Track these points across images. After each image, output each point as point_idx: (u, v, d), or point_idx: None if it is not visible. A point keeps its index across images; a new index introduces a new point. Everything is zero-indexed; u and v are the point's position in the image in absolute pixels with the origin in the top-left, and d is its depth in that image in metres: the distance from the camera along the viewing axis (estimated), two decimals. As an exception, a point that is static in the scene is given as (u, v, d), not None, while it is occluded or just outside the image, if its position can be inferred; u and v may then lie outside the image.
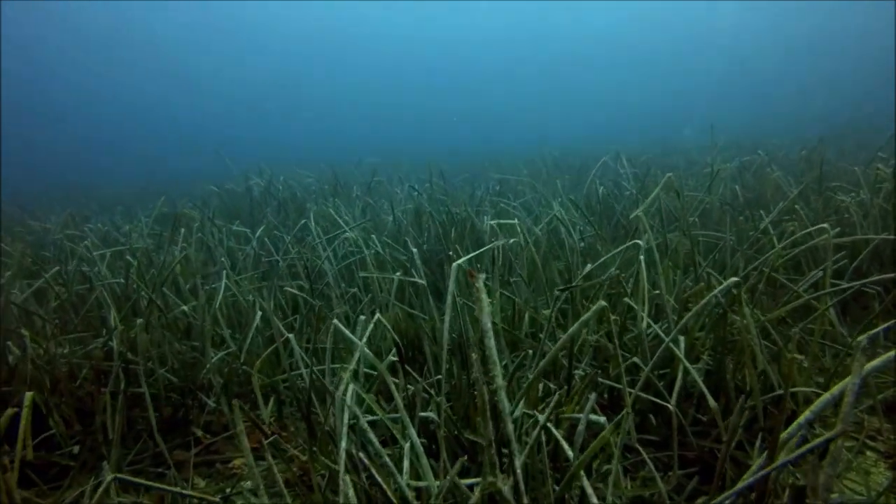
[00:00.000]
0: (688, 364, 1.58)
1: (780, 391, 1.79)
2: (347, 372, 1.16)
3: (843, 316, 2.71)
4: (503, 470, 1.00)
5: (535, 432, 1.06)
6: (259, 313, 2.17)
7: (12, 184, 14.56)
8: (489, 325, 0.66)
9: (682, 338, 1.69)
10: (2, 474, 0.97)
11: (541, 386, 2.16)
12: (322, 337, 2.70)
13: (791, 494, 0.79)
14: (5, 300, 2.60)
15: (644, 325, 1.74)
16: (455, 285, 1.29)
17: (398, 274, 2.30)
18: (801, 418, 0.77)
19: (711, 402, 1.63)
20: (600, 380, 1.71)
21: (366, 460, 1.04)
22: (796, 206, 3.07)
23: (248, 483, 1.98)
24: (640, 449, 1.49)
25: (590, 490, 0.97)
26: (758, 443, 1.74)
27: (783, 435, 0.83)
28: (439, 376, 2.00)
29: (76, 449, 2.05)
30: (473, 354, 0.83)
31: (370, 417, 1.60)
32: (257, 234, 3.70)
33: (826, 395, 0.76)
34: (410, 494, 1.00)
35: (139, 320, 2.06)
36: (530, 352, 1.88)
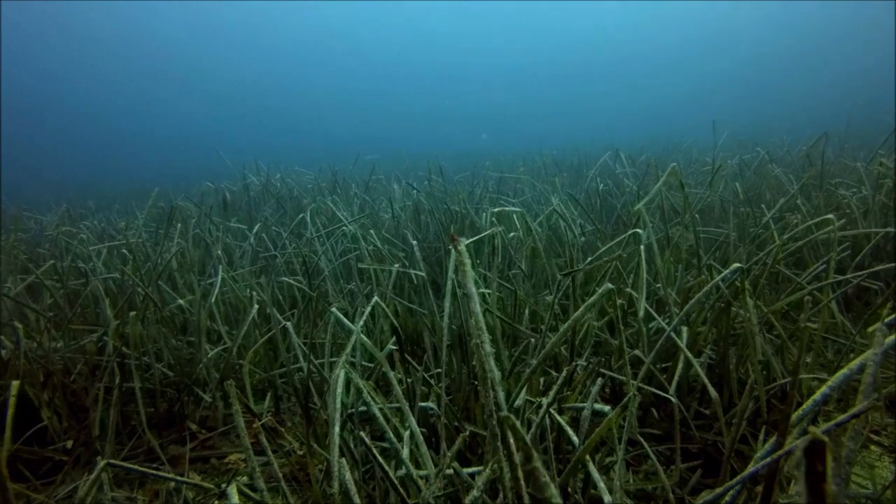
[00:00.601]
0: (688, 353, 1.56)
1: (785, 380, 1.76)
2: (344, 354, 1.13)
3: (846, 311, 2.69)
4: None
5: (542, 413, 1.03)
6: (255, 306, 2.14)
7: (11, 181, 14.55)
8: (473, 289, 0.63)
9: (684, 328, 1.66)
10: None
11: (542, 380, 2.14)
12: (321, 334, 2.67)
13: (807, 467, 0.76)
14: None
15: (642, 313, 1.71)
16: (455, 272, 1.26)
17: (397, 266, 2.27)
18: (818, 394, 0.74)
19: (712, 391, 1.61)
20: (602, 370, 1.68)
21: (366, 439, 1.01)
22: (798, 202, 3.05)
23: (245, 479, 1.95)
24: (643, 441, 1.46)
25: (596, 475, 0.94)
26: (761, 436, 1.72)
27: (796, 414, 0.80)
28: (439, 370, 1.98)
29: (69, 444, 2.02)
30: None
31: (377, 410, 1.57)
32: (255, 230, 3.67)
33: (844, 370, 0.73)
34: (415, 472, 0.98)
35: (132, 313, 2.03)
36: (532, 341, 1.85)
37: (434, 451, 1.50)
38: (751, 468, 0.75)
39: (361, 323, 1.39)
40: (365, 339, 1.44)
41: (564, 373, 1.20)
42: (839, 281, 2.07)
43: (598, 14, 69.73)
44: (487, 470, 0.87)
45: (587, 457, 0.99)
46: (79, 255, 3.28)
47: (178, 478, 1.10)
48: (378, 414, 1.04)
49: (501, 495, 0.92)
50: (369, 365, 2.00)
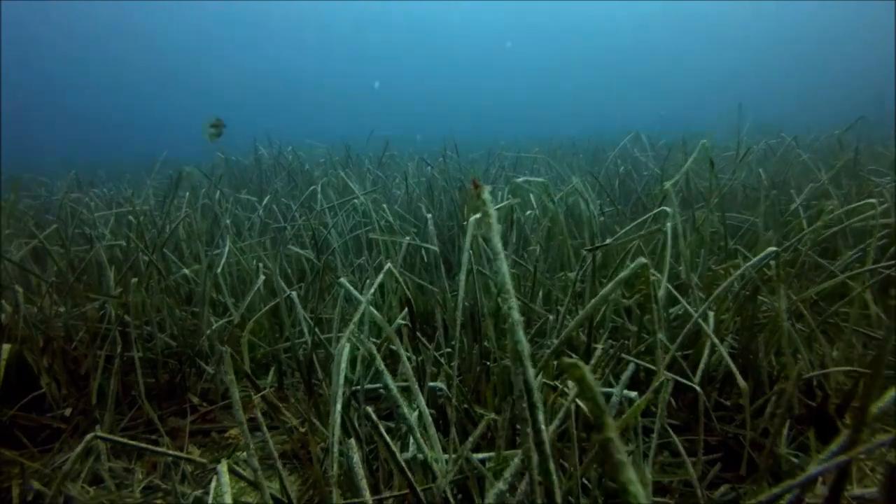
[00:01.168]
0: (716, 339, 1.46)
1: (816, 372, 1.66)
2: (351, 324, 1.05)
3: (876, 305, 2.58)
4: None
5: (570, 398, 0.94)
6: (262, 277, 2.06)
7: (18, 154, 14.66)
8: (500, 246, 0.54)
9: (710, 313, 1.57)
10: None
11: (555, 363, 2.05)
12: (328, 309, 2.60)
13: (888, 473, 0.66)
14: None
15: (662, 292, 1.61)
16: (470, 244, 1.17)
17: (408, 239, 2.18)
18: (893, 391, 0.65)
19: (741, 381, 1.51)
20: (625, 356, 1.59)
21: (373, 415, 0.93)
22: (829, 188, 2.92)
23: (244, 455, 1.89)
24: (671, 432, 1.37)
25: (624, 458, 0.85)
26: (784, 430, 1.63)
27: (876, 407, 0.70)
28: (449, 349, 1.89)
29: (68, 412, 1.97)
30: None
31: (391, 380, 1.49)
32: (264, 202, 3.59)
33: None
34: (430, 456, 0.90)
35: (134, 280, 1.96)
36: (551, 318, 1.76)
37: (442, 434, 1.42)
38: (817, 467, 0.67)
39: (370, 294, 1.30)
40: (374, 311, 1.36)
41: (599, 351, 1.11)
42: (874, 268, 1.95)
43: (600, 13, 69.22)
44: (516, 460, 0.79)
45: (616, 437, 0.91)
46: (85, 221, 3.22)
47: (171, 452, 1.03)
48: (391, 384, 0.95)
49: (527, 487, 0.83)
50: (376, 341, 1.92)
